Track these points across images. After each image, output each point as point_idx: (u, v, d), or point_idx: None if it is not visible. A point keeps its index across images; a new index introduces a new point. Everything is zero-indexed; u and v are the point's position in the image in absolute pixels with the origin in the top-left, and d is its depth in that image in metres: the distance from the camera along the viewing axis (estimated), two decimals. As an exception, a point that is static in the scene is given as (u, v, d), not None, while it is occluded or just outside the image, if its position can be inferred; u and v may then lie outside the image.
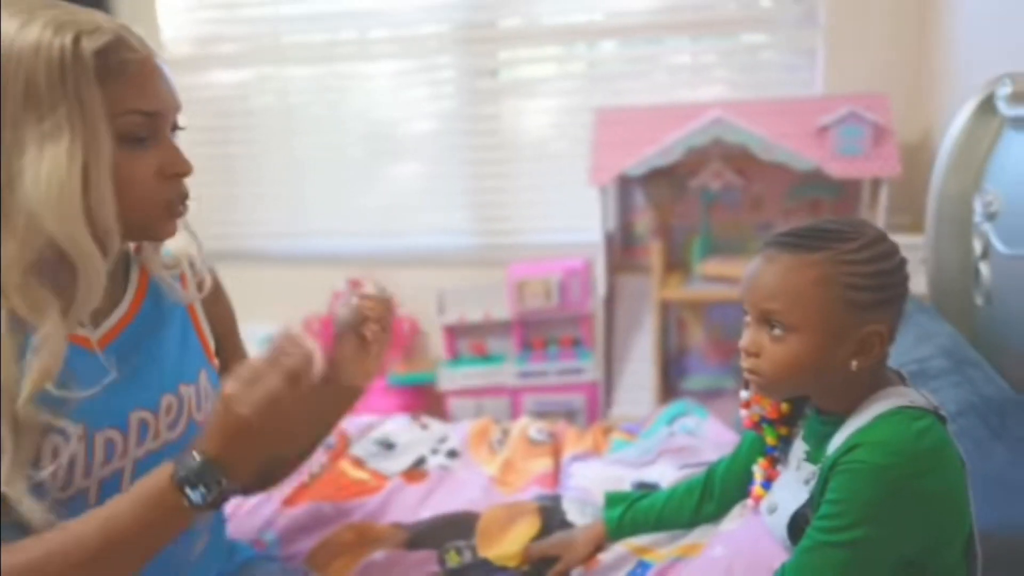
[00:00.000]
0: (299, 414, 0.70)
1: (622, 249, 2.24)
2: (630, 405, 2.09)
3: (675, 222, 2.18)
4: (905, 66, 2.02)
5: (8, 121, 0.69)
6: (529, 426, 1.48)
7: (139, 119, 0.74)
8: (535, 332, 2.34)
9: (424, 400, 2.35)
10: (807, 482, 0.80)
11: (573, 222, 2.35)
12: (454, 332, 2.37)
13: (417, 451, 1.37)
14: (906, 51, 2.01)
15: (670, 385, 2.16)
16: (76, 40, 0.70)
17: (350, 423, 1.47)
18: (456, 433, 1.45)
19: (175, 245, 0.88)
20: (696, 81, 2.30)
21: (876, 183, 1.88)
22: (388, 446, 1.39)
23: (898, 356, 0.87)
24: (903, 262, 0.78)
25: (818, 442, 0.82)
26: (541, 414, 2.15)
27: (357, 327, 0.83)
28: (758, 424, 0.88)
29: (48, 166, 0.69)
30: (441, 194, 2.45)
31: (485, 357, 2.36)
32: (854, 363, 0.77)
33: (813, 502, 0.78)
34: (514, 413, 2.25)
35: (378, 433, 1.45)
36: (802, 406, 0.87)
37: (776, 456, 0.89)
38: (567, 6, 2.27)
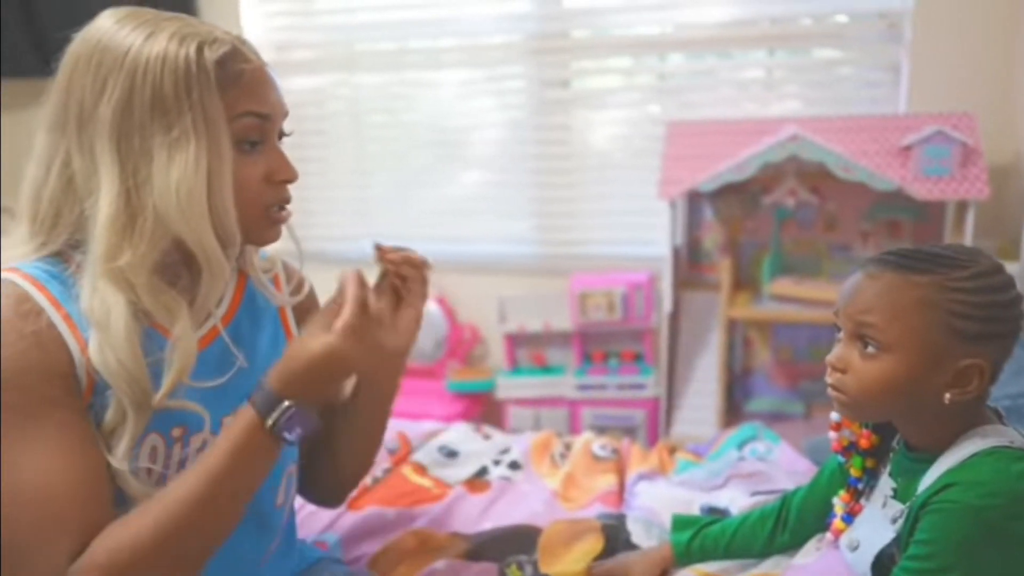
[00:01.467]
0: (371, 347, 0.73)
1: (688, 264, 2.20)
2: (692, 424, 2.05)
3: (744, 239, 2.13)
4: (994, 86, 1.93)
5: (136, 129, 0.71)
6: (592, 441, 1.46)
7: (253, 121, 0.76)
8: (596, 344, 2.32)
9: (482, 407, 2.36)
10: (894, 521, 0.77)
11: (638, 235, 2.32)
12: (514, 341, 2.37)
13: (480, 461, 1.37)
14: (995, 70, 1.93)
15: (734, 406, 2.11)
16: (199, 50, 0.72)
17: (411, 428, 1.48)
18: (518, 445, 1.44)
19: (270, 247, 0.90)
20: (767, 96, 2.25)
21: (962, 206, 1.81)
22: (451, 454, 1.39)
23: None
24: (1018, 298, 0.74)
25: (907, 479, 0.78)
26: (600, 428, 2.13)
27: (390, 286, 0.86)
28: (847, 449, 0.85)
29: (177, 173, 0.71)
30: (506, 202, 2.46)
31: (544, 368, 2.35)
32: (947, 396, 0.73)
33: (901, 542, 0.75)
34: (572, 425, 2.24)
35: (440, 441, 1.45)
36: (890, 439, 0.84)
37: (859, 489, 0.85)
38: (638, 18, 2.25)
